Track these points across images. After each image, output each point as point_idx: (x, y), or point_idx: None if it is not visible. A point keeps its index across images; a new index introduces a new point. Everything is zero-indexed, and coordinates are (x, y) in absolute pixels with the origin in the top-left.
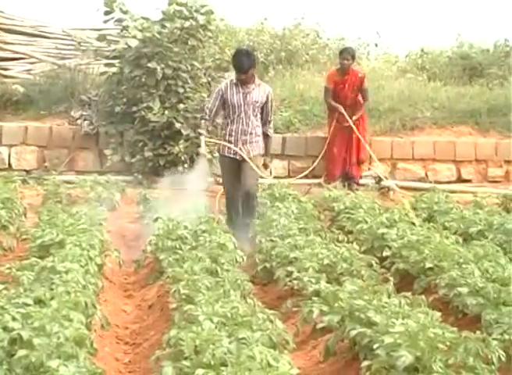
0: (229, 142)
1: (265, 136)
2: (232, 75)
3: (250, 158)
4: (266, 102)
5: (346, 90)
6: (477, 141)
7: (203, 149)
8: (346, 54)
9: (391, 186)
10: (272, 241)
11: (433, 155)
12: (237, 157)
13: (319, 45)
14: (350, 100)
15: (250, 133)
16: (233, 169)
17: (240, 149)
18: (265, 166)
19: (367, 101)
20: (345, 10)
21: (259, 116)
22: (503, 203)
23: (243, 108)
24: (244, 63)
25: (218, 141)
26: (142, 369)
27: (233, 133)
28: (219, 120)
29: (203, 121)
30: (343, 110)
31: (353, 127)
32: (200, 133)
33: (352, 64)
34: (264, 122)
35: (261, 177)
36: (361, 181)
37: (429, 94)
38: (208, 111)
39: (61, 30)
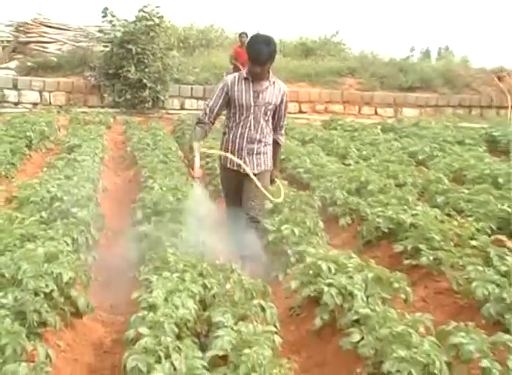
0: (231, 151)
1: (275, 144)
2: (175, 54)
3: (255, 175)
4: (280, 104)
5: (244, 55)
6: (310, 91)
7: (197, 169)
8: (243, 34)
9: None
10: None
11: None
12: (241, 170)
13: (224, 37)
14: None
15: (259, 141)
16: (237, 185)
17: (244, 162)
18: (272, 181)
19: None
20: (240, 16)
21: (270, 120)
22: (324, 124)
23: (252, 110)
24: (263, 52)
25: (216, 152)
26: (124, 214)
27: (237, 140)
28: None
29: (197, 128)
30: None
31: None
32: (191, 148)
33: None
34: (275, 127)
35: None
36: None
37: (283, 64)
38: (208, 110)
39: (77, 26)
